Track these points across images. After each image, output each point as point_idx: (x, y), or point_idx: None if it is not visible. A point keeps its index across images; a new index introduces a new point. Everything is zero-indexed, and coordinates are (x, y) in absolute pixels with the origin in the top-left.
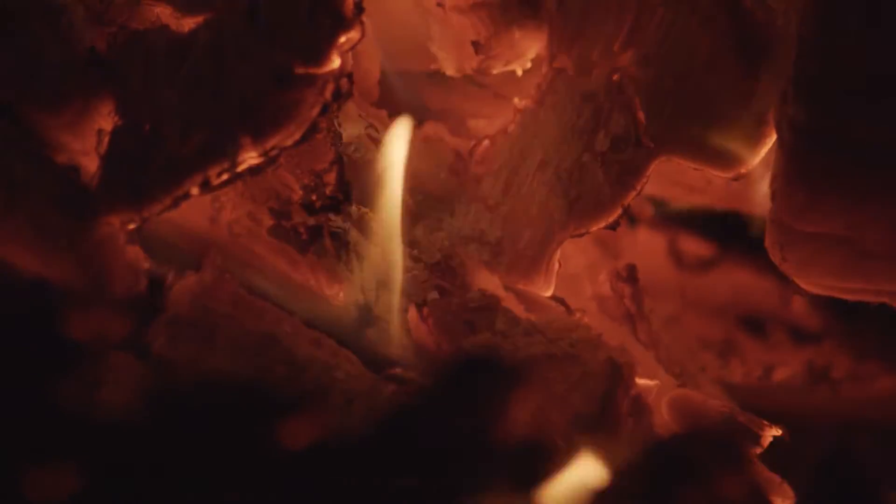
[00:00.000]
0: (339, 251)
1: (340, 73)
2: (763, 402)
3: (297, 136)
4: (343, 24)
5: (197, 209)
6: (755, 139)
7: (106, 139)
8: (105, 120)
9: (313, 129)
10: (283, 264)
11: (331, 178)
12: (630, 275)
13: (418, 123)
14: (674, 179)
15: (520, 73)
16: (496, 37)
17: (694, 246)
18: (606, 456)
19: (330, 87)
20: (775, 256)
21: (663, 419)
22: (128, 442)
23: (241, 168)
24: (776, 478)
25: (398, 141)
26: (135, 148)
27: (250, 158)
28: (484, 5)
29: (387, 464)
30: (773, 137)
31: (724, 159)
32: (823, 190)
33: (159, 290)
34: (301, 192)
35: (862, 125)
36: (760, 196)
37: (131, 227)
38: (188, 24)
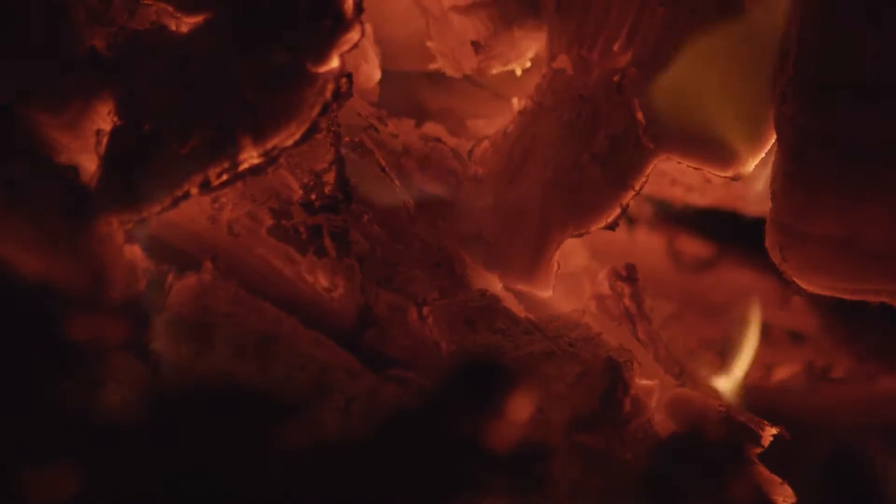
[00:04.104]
0: (339, 251)
1: (340, 73)
2: (763, 402)
3: (297, 136)
4: (343, 25)
5: (197, 209)
6: (755, 139)
7: (106, 139)
8: (105, 120)
9: (313, 129)
10: (283, 264)
11: (331, 178)
12: (629, 274)
13: (418, 123)
14: (674, 179)
15: (519, 73)
16: (496, 37)
17: (693, 246)
18: (605, 455)
19: (330, 87)
20: (775, 257)
21: (663, 419)
22: (128, 442)
23: (241, 168)
24: (777, 478)
25: None
26: (135, 148)
27: (250, 158)
28: (484, 5)
29: (387, 464)
30: (773, 137)
31: (724, 159)
32: (823, 190)
33: (159, 290)
34: (301, 192)
35: (862, 125)
36: (760, 196)
37: (130, 226)
38: (188, 23)
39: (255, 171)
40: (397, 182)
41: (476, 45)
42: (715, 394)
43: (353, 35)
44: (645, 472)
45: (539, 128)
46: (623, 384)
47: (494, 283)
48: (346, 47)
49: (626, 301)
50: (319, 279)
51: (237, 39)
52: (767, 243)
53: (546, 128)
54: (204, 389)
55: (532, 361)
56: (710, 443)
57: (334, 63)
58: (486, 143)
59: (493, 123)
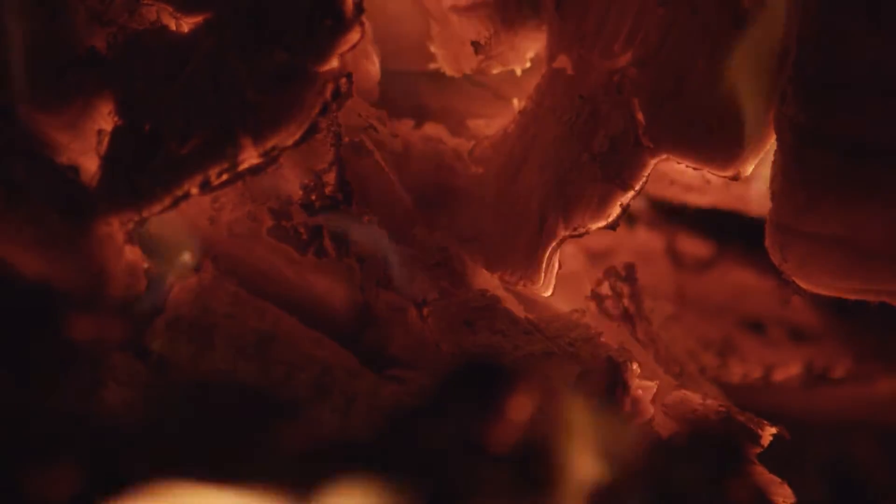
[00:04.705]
0: (339, 251)
1: (340, 73)
2: (763, 402)
3: (297, 136)
4: (343, 25)
5: (197, 209)
6: (755, 139)
7: (106, 139)
8: (105, 120)
9: (313, 129)
10: (283, 264)
11: (331, 178)
12: (629, 274)
13: (418, 123)
14: (673, 179)
15: (519, 73)
16: (496, 37)
17: (693, 246)
18: (605, 455)
19: (330, 87)
20: (775, 257)
21: (663, 419)
22: (128, 442)
23: (241, 168)
24: (777, 478)
25: None
26: (135, 148)
27: (250, 158)
28: (484, 5)
29: (386, 464)
30: (773, 137)
31: (724, 159)
32: (823, 190)
33: (159, 290)
34: (301, 192)
35: (862, 125)
36: (760, 196)
37: (130, 226)
38: (188, 24)
39: (254, 171)
40: (397, 182)
41: (476, 45)
42: (715, 394)
43: (353, 35)
44: (645, 472)
45: (539, 128)
46: (623, 384)
47: (494, 283)
48: (346, 47)
49: (626, 301)
50: (319, 279)
51: (237, 39)
52: (767, 243)
53: (546, 128)
54: (204, 389)
55: (532, 362)
56: (710, 443)
57: (334, 63)
58: (486, 143)
59: (493, 123)
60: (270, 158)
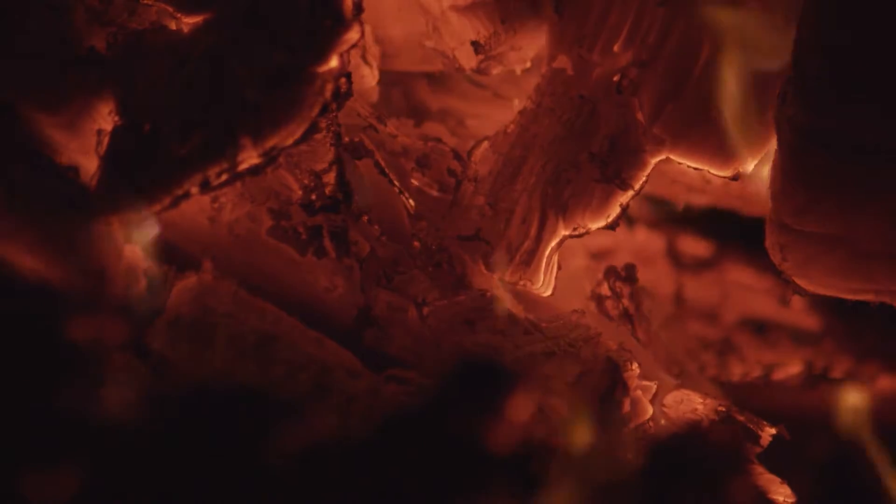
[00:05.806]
0: (339, 251)
1: (340, 72)
2: (763, 402)
3: (297, 135)
4: (342, 25)
5: (197, 209)
6: (755, 139)
7: (106, 139)
8: (105, 120)
9: (313, 129)
10: (283, 264)
11: (330, 178)
12: (629, 274)
13: (418, 123)
14: (673, 179)
15: (519, 73)
16: (496, 37)
17: (693, 246)
18: (605, 455)
19: (329, 87)
20: (775, 257)
21: (662, 419)
22: (128, 442)
23: (241, 168)
24: (777, 478)
25: None
26: (135, 148)
27: (250, 158)
28: (484, 5)
29: (386, 464)
30: (773, 137)
31: (724, 159)
32: (823, 190)
33: (159, 291)
34: (301, 192)
35: (861, 125)
36: (760, 196)
37: (130, 226)
38: (188, 23)
39: (254, 171)
40: (397, 182)
41: (476, 45)
42: (715, 394)
43: (353, 35)
44: (645, 472)
45: (539, 128)
46: (623, 384)
47: (494, 283)
48: (345, 47)
49: (626, 301)
50: (319, 279)
51: (237, 39)
52: (767, 243)
53: (546, 128)
54: (204, 389)
55: (532, 362)
56: (710, 443)
57: (333, 63)
58: (485, 143)
59: (493, 123)
60: (270, 158)
